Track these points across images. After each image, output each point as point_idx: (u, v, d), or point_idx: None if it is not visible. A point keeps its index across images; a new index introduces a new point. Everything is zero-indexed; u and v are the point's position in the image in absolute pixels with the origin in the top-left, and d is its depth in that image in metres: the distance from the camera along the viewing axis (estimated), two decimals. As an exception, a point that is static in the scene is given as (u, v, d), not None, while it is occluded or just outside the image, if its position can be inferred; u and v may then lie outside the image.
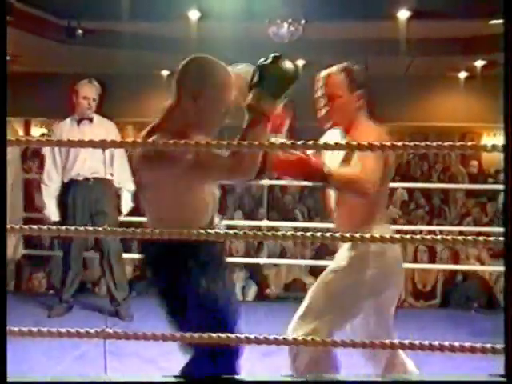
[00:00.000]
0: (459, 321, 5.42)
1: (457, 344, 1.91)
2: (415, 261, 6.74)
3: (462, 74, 11.98)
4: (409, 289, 6.70)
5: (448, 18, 8.51)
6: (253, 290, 6.54)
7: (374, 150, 1.92)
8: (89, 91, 5.13)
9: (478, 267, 6.75)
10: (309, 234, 1.93)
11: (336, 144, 2.05)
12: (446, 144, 1.88)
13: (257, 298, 6.54)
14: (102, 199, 5.10)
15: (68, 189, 5.10)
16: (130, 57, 10.91)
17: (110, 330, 2.04)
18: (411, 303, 6.65)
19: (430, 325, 5.21)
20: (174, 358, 2.52)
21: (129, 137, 15.97)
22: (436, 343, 1.91)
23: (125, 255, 5.49)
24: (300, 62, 11.53)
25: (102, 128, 5.09)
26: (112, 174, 5.16)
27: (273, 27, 8.21)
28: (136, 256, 6.78)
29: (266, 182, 6.31)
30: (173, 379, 2.07)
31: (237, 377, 2.35)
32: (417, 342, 1.93)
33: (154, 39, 9.99)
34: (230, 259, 6.34)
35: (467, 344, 1.91)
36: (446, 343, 1.91)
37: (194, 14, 8.86)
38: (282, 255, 7.12)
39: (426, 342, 1.91)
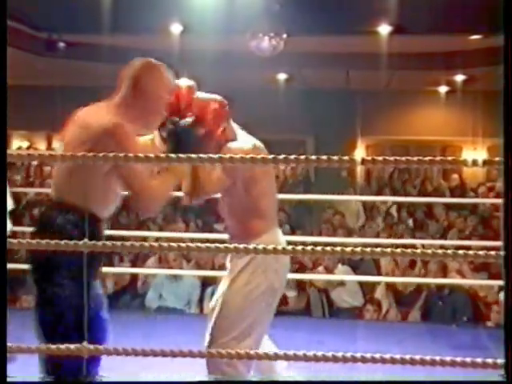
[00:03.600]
0: (442, 334, 5.43)
1: (438, 358, 1.91)
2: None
3: (443, 89, 12.06)
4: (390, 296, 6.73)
5: (429, 32, 8.56)
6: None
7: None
8: None
9: (459, 280, 6.77)
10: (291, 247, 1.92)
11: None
12: (426, 158, 1.88)
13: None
14: None
15: None
16: (111, 70, 10.88)
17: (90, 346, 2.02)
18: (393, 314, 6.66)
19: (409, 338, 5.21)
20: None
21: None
22: (417, 357, 1.91)
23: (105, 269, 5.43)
24: (282, 76, 11.57)
25: None
26: None
27: (254, 41, 8.23)
28: (115, 270, 6.74)
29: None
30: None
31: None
32: (397, 357, 1.92)
33: (136, 52, 9.94)
34: (212, 273, 6.35)
35: (449, 358, 1.91)
36: (428, 357, 1.90)
37: (176, 28, 8.86)
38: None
39: (407, 356, 1.91)
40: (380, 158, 1.91)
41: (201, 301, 6.61)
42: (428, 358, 1.91)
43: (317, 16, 8.13)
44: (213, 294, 6.50)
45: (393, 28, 8.70)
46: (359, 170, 11.97)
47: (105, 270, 6.53)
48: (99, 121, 2.68)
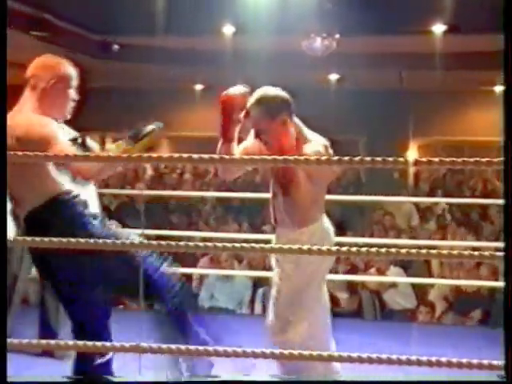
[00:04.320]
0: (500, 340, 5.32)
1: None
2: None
3: (498, 88, 11.85)
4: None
5: (484, 31, 8.43)
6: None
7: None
8: None
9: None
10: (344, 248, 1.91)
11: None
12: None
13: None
14: None
15: None
16: (164, 71, 10.99)
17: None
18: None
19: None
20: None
21: (163, 151, 16.05)
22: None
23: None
24: (333, 76, 11.52)
25: None
26: None
27: (306, 41, 8.21)
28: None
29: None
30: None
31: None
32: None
33: (189, 54, 10.04)
34: (264, 274, 6.35)
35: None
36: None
37: (228, 29, 8.90)
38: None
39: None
40: (425, 159, 1.89)
41: (252, 301, 6.62)
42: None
43: (370, 15, 8.07)
44: (264, 294, 6.55)
45: (447, 27, 8.59)
46: (412, 171, 11.83)
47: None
48: None
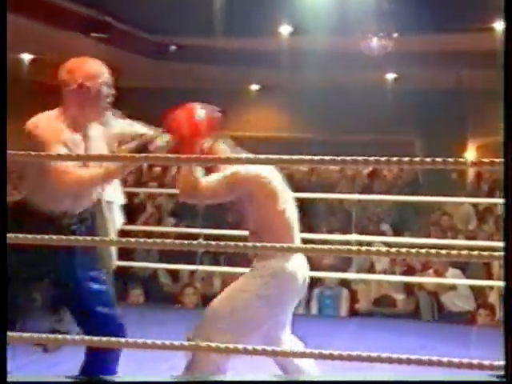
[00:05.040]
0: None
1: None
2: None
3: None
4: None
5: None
6: (344, 305, 6.49)
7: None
8: None
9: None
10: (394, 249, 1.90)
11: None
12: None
13: (348, 312, 6.48)
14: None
15: None
16: (220, 72, 11.06)
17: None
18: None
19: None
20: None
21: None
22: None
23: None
24: (390, 76, 11.42)
25: None
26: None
27: (364, 41, 8.16)
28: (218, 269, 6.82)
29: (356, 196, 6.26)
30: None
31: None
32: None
33: (245, 54, 10.08)
34: (320, 274, 6.34)
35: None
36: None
37: (285, 29, 8.91)
38: (371, 270, 7.03)
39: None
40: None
41: (308, 301, 6.60)
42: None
43: (427, 14, 7.97)
44: (321, 294, 6.54)
45: (508, 24, 8.43)
46: (471, 171, 11.65)
47: (211, 269, 6.66)
48: None
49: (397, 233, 8.01)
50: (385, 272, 6.96)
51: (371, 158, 1.98)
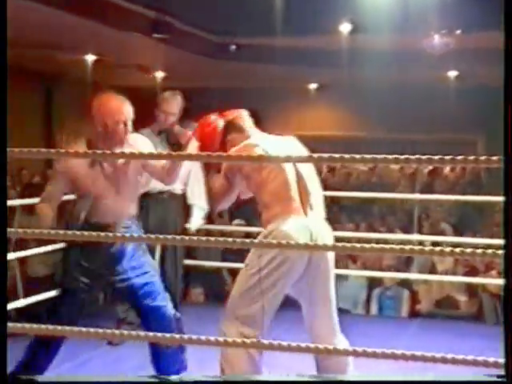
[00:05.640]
0: None
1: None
2: None
3: None
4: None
5: None
6: (405, 306, 6.42)
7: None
8: (170, 106, 5.11)
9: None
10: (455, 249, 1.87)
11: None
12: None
13: (408, 313, 6.41)
14: (172, 213, 5.10)
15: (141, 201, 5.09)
16: (280, 71, 11.06)
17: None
18: None
19: None
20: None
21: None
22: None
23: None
24: (452, 73, 11.25)
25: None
26: (184, 190, 5.15)
27: (426, 39, 8.05)
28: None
29: (417, 196, 6.19)
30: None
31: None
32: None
33: (304, 53, 10.06)
34: (380, 274, 6.29)
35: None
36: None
37: (345, 27, 8.85)
38: (433, 270, 6.94)
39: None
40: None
41: (368, 302, 6.56)
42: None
43: (490, 10, 7.81)
44: (381, 295, 6.49)
45: None
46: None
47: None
48: None
49: (457, 232, 7.89)
50: (447, 273, 6.86)
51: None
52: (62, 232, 2.27)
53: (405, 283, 6.57)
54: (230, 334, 3.00)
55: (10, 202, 6.61)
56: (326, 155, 2.06)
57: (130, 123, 3.35)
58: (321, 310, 3.27)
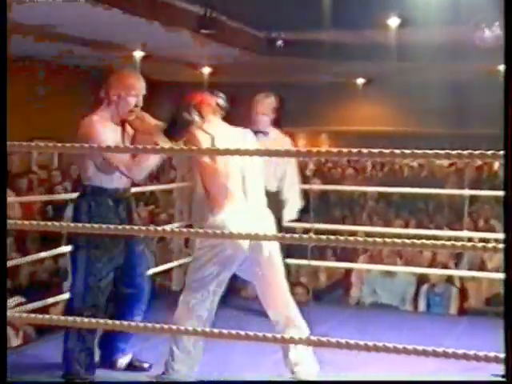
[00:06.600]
0: None
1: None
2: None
3: None
4: None
5: None
6: (453, 303, 6.34)
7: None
8: (263, 107, 5.12)
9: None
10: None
11: None
12: None
13: (457, 311, 6.33)
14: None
15: None
16: (327, 66, 11.01)
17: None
18: None
19: None
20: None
21: (323, 145, 16.08)
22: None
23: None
24: (503, 67, 11.07)
25: (276, 143, 5.00)
26: (280, 188, 5.15)
27: (477, 32, 7.93)
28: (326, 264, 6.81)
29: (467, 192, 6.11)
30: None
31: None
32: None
33: (352, 48, 10.00)
34: (429, 270, 6.23)
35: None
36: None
37: (393, 21, 8.77)
38: (482, 267, 6.84)
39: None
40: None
41: (416, 298, 6.49)
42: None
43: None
44: (429, 292, 6.41)
45: None
46: None
47: (316, 263, 6.64)
48: None
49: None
50: (497, 270, 6.75)
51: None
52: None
53: (453, 280, 6.49)
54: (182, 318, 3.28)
55: (62, 196, 6.75)
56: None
57: (140, 98, 3.60)
58: (273, 286, 3.47)
